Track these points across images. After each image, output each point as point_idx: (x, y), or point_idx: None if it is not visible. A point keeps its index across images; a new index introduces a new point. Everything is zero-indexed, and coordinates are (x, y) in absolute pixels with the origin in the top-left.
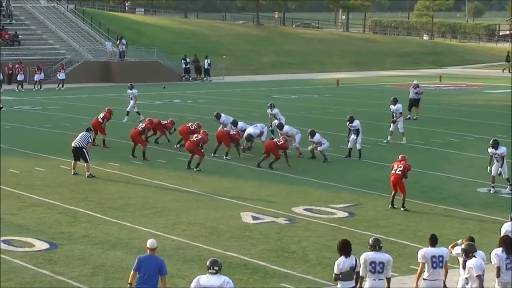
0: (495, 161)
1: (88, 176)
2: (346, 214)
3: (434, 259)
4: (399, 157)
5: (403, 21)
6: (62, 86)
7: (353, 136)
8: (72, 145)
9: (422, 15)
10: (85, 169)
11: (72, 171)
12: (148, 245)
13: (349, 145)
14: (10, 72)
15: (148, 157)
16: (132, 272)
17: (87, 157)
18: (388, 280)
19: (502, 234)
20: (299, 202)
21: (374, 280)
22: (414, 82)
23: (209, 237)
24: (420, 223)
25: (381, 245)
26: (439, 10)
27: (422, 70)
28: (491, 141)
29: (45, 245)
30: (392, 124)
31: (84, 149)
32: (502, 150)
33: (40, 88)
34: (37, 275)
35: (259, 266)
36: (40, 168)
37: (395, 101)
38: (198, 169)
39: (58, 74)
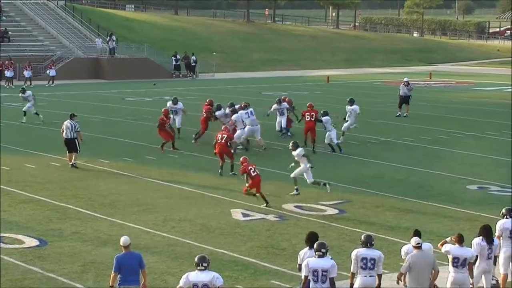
0: None
1: (71, 165)
2: (336, 211)
3: None
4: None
5: (393, 18)
6: (52, 82)
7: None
8: (64, 136)
9: (412, 12)
10: (72, 157)
11: (70, 163)
12: (122, 244)
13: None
14: (0, 68)
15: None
16: (112, 273)
17: (78, 147)
18: (379, 276)
19: (497, 232)
20: (289, 199)
21: (365, 276)
22: (405, 79)
23: (200, 234)
24: (410, 220)
25: (373, 242)
26: (429, 7)
27: (412, 67)
28: None
29: (35, 242)
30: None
31: (75, 140)
32: None
33: (30, 84)
34: (27, 272)
35: (250, 263)
36: (31, 165)
37: (351, 102)
38: (233, 172)
39: (48, 71)
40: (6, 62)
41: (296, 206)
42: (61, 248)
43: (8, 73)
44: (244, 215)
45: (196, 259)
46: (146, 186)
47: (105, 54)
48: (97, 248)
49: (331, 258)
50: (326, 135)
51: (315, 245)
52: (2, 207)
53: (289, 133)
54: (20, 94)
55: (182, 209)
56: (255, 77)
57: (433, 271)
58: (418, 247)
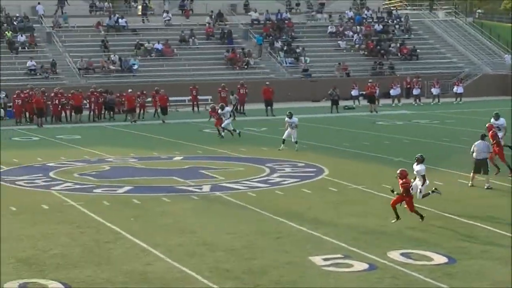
0: None
1: (487, 188)
2: None
3: None
4: None
5: None
6: (460, 99)
7: None
8: (474, 157)
9: None
10: (485, 180)
11: (470, 183)
12: None
13: None
14: (408, 86)
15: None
16: None
17: (488, 168)
18: None
19: None
20: None
21: None
22: None
23: None
24: None
25: None
26: None
27: None
28: None
29: (444, 259)
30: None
31: (487, 160)
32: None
33: (438, 102)
34: None
35: None
36: (439, 182)
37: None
38: None
39: (455, 88)
40: (414, 79)
41: None
42: (469, 266)
43: (415, 91)
44: None
45: None
46: None
47: None
48: (506, 267)
49: None
50: None
51: None
52: (412, 224)
53: None
54: (219, 110)
55: None
56: None
57: None
58: None
